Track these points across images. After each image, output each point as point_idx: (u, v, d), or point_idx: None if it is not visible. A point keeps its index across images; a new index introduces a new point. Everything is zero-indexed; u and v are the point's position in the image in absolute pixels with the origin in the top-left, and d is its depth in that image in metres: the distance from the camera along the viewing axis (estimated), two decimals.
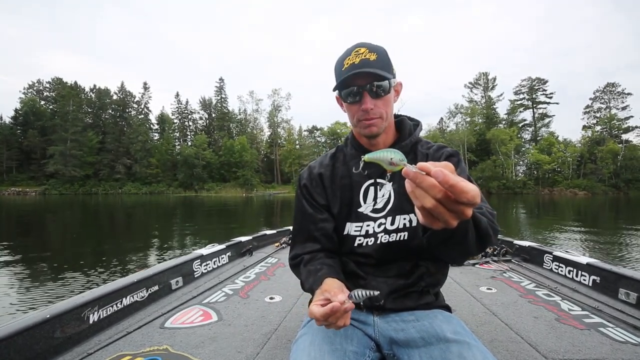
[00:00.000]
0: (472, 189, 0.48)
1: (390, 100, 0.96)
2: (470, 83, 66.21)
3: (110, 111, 62.89)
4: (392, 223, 0.99)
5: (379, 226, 1.00)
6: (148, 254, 6.93)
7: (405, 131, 1.04)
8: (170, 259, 2.59)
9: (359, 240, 1.01)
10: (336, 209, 1.05)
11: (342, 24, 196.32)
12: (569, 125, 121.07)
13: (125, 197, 45.49)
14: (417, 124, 1.10)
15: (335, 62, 0.97)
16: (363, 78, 0.91)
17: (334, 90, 0.98)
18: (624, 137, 55.67)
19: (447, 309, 1.04)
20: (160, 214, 19.10)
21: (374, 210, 1.01)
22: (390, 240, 0.99)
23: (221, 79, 70.76)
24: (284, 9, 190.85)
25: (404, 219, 0.98)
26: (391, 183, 1.00)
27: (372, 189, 1.02)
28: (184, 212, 20.06)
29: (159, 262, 2.94)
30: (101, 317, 1.68)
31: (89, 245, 8.41)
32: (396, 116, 1.09)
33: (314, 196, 1.07)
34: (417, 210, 0.55)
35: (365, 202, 1.02)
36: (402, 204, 0.98)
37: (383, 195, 1.00)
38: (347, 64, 0.92)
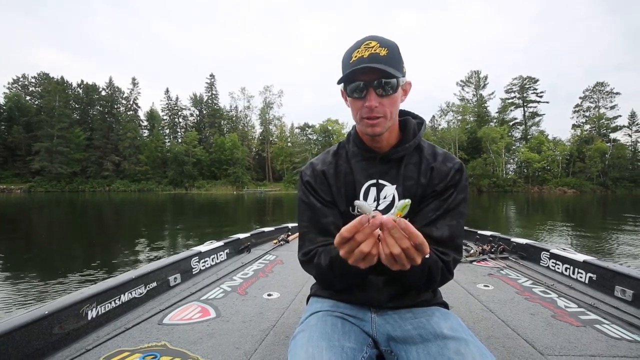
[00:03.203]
0: (423, 243, 0.67)
1: (396, 99, 0.93)
2: (461, 81, 66.64)
3: (98, 107, 61.64)
4: None
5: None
6: (139, 253, 6.87)
7: (409, 132, 1.02)
8: (167, 255, 2.58)
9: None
10: (343, 206, 1.03)
11: (334, 23, 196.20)
12: (558, 124, 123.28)
13: (113, 194, 44.92)
14: (421, 122, 1.08)
15: (343, 54, 0.93)
16: (370, 74, 0.87)
17: (339, 83, 0.94)
18: (612, 136, 56.70)
19: (445, 306, 1.05)
20: (149, 211, 18.92)
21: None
22: None
23: (212, 75, 70.07)
24: (276, 7, 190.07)
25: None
26: (395, 186, 0.99)
27: (373, 189, 1.01)
28: (174, 210, 19.90)
29: (151, 260, 2.91)
30: (99, 313, 1.67)
31: (79, 244, 8.31)
32: (401, 114, 1.06)
33: (319, 193, 1.04)
34: (381, 254, 0.69)
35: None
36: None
37: (385, 197, 0.99)
38: (356, 57, 0.88)
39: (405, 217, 0.99)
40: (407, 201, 0.71)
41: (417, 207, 0.99)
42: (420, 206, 0.98)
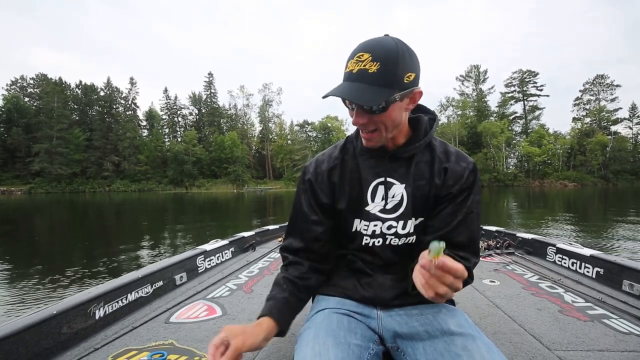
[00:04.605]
0: (464, 272, 0.69)
1: (390, 114, 0.86)
2: (461, 76, 66.69)
3: (97, 107, 61.68)
4: (404, 227, 0.97)
5: (388, 228, 0.98)
6: (142, 253, 6.89)
7: (420, 130, 0.98)
8: (171, 255, 2.59)
9: (366, 239, 1.00)
10: (344, 204, 1.01)
11: (334, 22, 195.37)
12: (559, 117, 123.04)
13: (113, 195, 44.97)
14: (433, 118, 1.03)
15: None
16: None
17: (324, 97, 0.90)
18: (613, 128, 56.81)
19: (451, 302, 1.04)
20: (150, 211, 18.94)
21: (383, 211, 0.98)
22: (400, 243, 0.98)
23: (210, 74, 69.97)
24: (276, 6, 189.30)
25: (415, 222, 0.97)
26: (404, 185, 0.97)
27: (381, 187, 0.98)
28: (175, 209, 19.91)
29: (156, 259, 2.92)
30: (107, 312, 1.67)
31: (82, 245, 8.33)
32: (413, 110, 1.00)
33: (317, 193, 1.03)
34: (423, 291, 0.72)
35: (373, 201, 0.98)
36: (415, 207, 0.96)
37: (393, 196, 0.97)
38: (348, 68, 0.84)
39: (422, 221, 0.99)
40: (442, 245, 0.70)
41: (432, 209, 0.98)
42: (437, 209, 0.97)
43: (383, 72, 0.80)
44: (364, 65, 0.81)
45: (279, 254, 1.18)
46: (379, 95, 0.81)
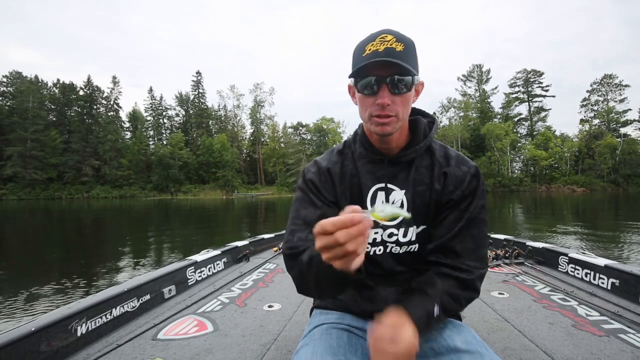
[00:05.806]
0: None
1: (409, 99, 0.92)
2: (463, 76, 67.10)
3: (76, 108, 61.18)
4: (405, 235, 0.98)
5: (389, 236, 0.99)
6: (125, 266, 6.82)
7: (419, 133, 1.01)
8: (158, 267, 2.56)
9: (366, 248, 0.99)
10: None
11: (328, 16, 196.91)
12: (565, 118, 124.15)
13: (93, 201, 44.57)
14: (432, 121, 1.06)
15: (355, 46, 0.92)
16: (385, 69, 0.85)
17: (350, 77, 0.92)
18: (622, 130, 57.37)
19: (457, 316, 1.04)
20: (133, 219, 18.81)
21: None
22: (401, 252, 0.99)
23: (198, 73, 69.81)
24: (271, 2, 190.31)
25: (417, 230, 0.98)
26: (404, 191, 0.98)
27: (380, 193, 0.99)
28: (159, 217, 19.78)
29: (140, 272, 2.89)
30: (90, 329, 1.65)
31: (60, 256, 8.24)
32: (410, 112, 1.02)
33: (322, 192, 1.02)
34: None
35: (372, 208, 1.00)
36: (416, 214, 0.97)
37: (394, 202, 0.98)
38: (370, 50, 0.86)
39: (424, 229, 0.99)
40: (406, 213, 0.71)
41: (434, 217, 0.98)
42: (440, 217, 0.98)
43: (408, 53, 0.86)
44: (391, 45, 0.85)
45: (275, 265, 1.14)
46: (412, 69, 0.86)
